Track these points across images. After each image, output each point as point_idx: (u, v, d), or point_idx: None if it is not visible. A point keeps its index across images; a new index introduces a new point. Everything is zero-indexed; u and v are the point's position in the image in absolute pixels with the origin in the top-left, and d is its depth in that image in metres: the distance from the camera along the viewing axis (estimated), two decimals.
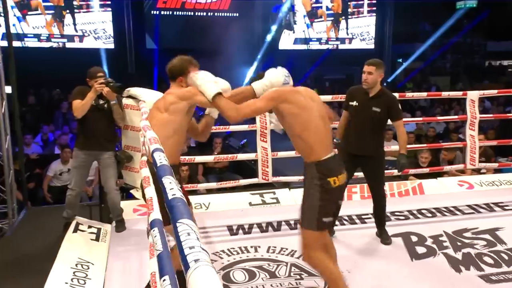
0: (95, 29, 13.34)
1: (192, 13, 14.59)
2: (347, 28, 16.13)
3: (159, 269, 1.24)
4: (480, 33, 17.26)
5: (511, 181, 4.74)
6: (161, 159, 1.53)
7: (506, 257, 3.14)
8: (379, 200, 3.39)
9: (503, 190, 4.58)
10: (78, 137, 3.65)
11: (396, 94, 4.83)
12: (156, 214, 1.58)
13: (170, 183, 1.27)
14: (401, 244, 3.38)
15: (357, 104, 3.32)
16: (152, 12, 14.39)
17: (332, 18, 15.96)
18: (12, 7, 12.17)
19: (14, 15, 12.22)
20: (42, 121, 9.32)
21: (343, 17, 16.04)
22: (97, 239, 3.48)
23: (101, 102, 3.50)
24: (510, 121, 6.59)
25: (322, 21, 15.97)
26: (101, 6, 13.36)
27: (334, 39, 16.17)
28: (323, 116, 2.37)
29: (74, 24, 13.02)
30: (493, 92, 4.83)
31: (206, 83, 2.20)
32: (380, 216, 3.44)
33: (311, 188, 2.30)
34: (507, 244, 3.32)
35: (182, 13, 14.56)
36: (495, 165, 4.87)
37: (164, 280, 1.16)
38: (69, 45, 13.11)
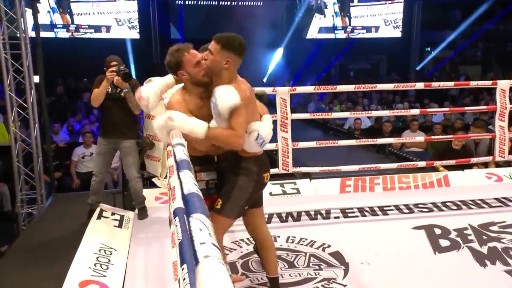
0: (122, 19, 13.52)
1: (216, 3, 14.57)
2: (349, 16, 15.66)
3: (180, 257, 1.24)
4: None
5: None
6: (180, 153, 1.53)
7: None
8: None
9: None
10: (100, 125, 3.79)
11: (422, 84, 4.72)
12: (179, 203, 1.59)
13: (186, 177, 1.27)
14: (423, 237, 3.31)
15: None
16: (176, 2, 14.45)
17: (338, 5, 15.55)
18: None
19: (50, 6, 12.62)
20: (69, 110, 9.58)
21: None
22: (120, 226, 3.56)
23: (118, 90, 3.53)
24: None
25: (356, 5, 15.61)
26: None
27: (360, 28, 15.82)
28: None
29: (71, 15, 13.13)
30: None
31: (186, 123, 2.00)
32: None
33: (246, 179, 2.24)
34: None
35: (206, 3, 14.57)
36: None
37: (183, 268, 1.16)
38: (97, 35, 13.34)
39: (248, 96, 2.11)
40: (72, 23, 13.09)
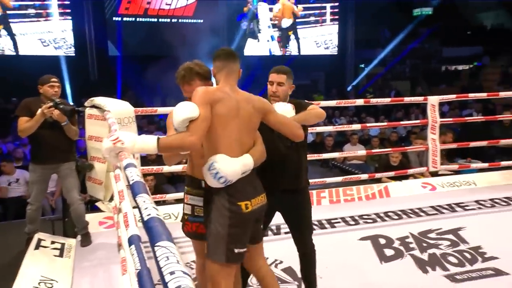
0: (55, 37, 12.95)
1: (155, 20, 14.42)
2: (297, 38, 16.29)
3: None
4: (436, 39, 18.03)
5: (470, 181, 4.94)
6: (133, 175, 1.47)
7: (469, 256, 3.26)
8: None
9: (463, 191, 4.78)
10: (32, 152, 3.52)
11: (362, 100, 4.97)
12: (133, 230, 1.52)
13: (144, 201, 1.22)
14: (370, 247, 3.44)
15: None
16: (113, 18, 14.10)
17: (279, 33, 16.01)
18: None
19: None
20: None
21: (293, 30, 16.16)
22: (61, 255, 3.34)
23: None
24: (469, 124, 6.89)
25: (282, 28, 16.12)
26: (61, 14, 12.98)
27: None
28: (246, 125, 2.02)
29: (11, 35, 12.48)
30: (451, 97, 5.02)
31: (136, 142, 1.82)
32: None
33: (216, 214, 1.95)
34: (469, 243, 3.45)
35: (145, 20, 14.36)
36: (455, 166, 5.06)
37: None
38: (26, 52, 12.64)
39: (214, 98, 1.92)
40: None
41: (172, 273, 0.84)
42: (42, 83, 3.37)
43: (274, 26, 16.00)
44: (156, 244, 0.95)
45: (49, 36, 12.91)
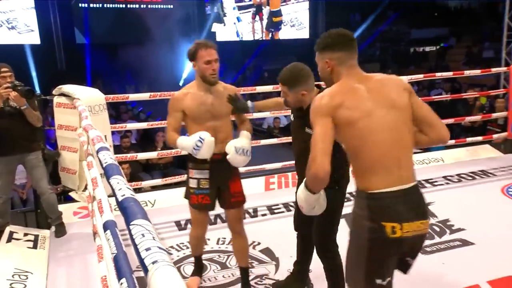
0: (16, 24, 12.40)
1: (124, 6, 14.03)
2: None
3: (116, 272, 1.20)
4: (404, 22, 18.33)
5: (439, 158, 5.12)
6: (106, 158, 1.47)
7: (437, 229, 3.40)
8: None
9: (432, 167, 4.94)
10: None
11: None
12: (108, 215, 1.52)
13: (118, 183, 1.22)
14: (344, 224, 3.52)
15: (292, 119, 2.44)
16: (80, 5, 13.64)
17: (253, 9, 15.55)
18: None
19: None
20: None
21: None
22: (35, 246, 3.29)
23: (11, 104, 3.23)
24: (437, 104, 7.08)
25: (249, 11, 15.82)
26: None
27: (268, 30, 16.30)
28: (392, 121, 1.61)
29: None
30: (419, 77, 5.15)
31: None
32: None
33: (355, 233, 1.61)
34: (438, 217, 3.59)
35: (113, 6, 13.95)
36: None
37: (122, 283, 1.13)
38: None
39: (334, 104, 1.61)
40: None
41: (148, 249, 0.85)
42: None
43: (250, 6, 15.59)
44: (131, 223, 0.96)
45: (10, 20, 12.29)
